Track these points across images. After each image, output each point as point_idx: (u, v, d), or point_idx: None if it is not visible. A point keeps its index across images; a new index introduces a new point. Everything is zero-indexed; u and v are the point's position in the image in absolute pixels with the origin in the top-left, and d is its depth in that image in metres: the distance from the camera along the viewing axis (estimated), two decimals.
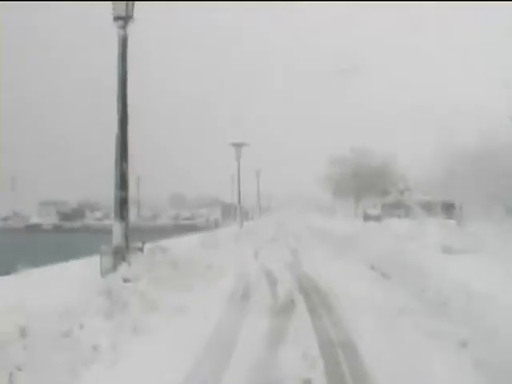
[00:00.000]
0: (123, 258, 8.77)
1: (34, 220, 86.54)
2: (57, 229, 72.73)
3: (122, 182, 9.33)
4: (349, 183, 59.40)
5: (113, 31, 9.63)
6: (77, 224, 75.83)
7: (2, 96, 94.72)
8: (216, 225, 55.98)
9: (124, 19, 9.44)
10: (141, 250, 9.84)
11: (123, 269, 8.18)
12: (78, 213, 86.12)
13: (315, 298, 9.01)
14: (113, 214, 9.65)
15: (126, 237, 9.31)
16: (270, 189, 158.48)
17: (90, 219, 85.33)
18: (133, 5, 9.50)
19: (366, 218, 37.16)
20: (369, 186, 58.17)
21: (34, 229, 72.06)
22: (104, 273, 8.45)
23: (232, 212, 78.43)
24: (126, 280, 7.68)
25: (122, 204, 9.35)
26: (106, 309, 6.21)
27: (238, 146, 35.40)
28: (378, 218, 34.92)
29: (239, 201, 36.89)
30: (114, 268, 8.37)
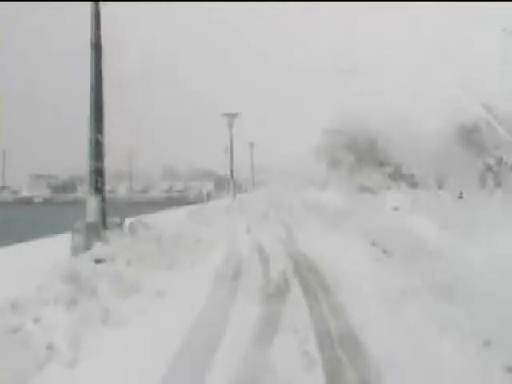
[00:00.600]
0: (98, 236, 7.87)
1: (25, 193, 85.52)
2: (48, 202, 71.57)
3: (97, 151, 8.46)
4: (343, 155, 58.57)
5: None
6: (69, 197, 74.60)
7: None
8: (208, 197, 55.11)
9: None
10: (120, 226, 8.95)
11: (96, 248, 7.29)
12: (69, 186, 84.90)
13: (311, 279, 8.19)
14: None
15: (103, 212, 8.45)
16: (265, 162, 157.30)
17: (81, 192, 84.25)
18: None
19: (360, 189, 36.07)
20: (364, 158, 57.39)
21: (25, 202, 70.88)
22: (74, 253, 7.56)
23: (225, 185, 77.72)
24: (98, 261, 6.81)
25: (97, 175, 8.47)
26: (70, 296, 5.34)
27: (231, 116, 35.37)
28: (372, 190, 33.94)
29: (232, 173, 36.02)
30: (87, 247, 7.50)
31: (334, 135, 60.98)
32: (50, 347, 4.37)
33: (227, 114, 35.93)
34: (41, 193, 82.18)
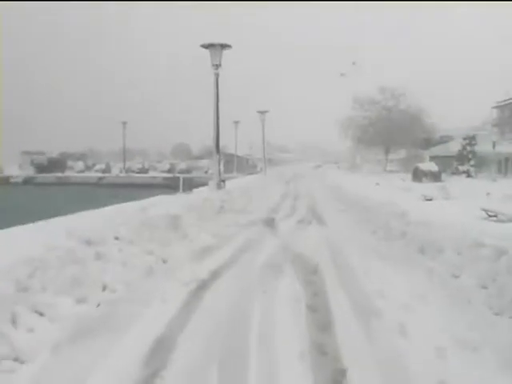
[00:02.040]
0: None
1: (10, 172, 79.33)
2: (27, 182, 64.90)
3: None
4: (377, 129, 50.29)
5: None
6: (50, 177, 67.69)
7: None
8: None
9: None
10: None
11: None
12: (57, 164, 77.98)
13: None
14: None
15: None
16: (286, 140, 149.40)
17: (73, 171, 77.62)
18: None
19: (418, 175, 27.70)
20: (401, 134, 49.04)
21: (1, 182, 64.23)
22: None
23: (236, 163, 70.17)
24: None
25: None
26: None
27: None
28: (436, 177, 25.91)
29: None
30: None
31: (366, 106, 52.86)
32: None
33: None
34: (25, 172, 75.66)
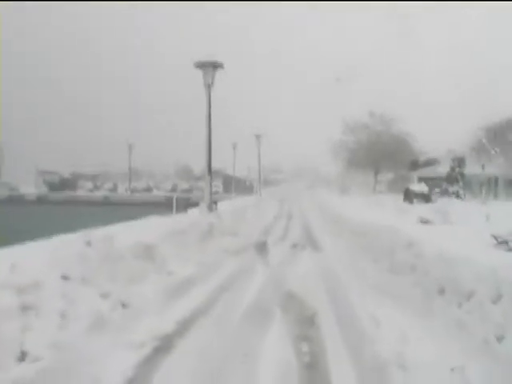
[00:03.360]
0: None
1: (25, 190, 77.13)
2: (41, 200, 62.53)
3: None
4: (367, 153, 48.26)
5: None
6: (61, 196, 65.36)
7: None
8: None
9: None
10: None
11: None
12: (68, 183, 75.69)
13: None
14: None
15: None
16: (279, 162, 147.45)
17: (84, 190, 75.32)
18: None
19: (409, 196, 25.50)
20: (389, 157, 47.10)
21: (16, 200, 61.86)
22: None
23: (234, 184, 67.99)
24: None
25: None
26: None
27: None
28: (427, 198, 23.81)
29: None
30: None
31: (356, 130, 50.97)
32: None
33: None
34: (39, 190, 73.39)
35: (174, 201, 19.29)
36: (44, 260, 6.12)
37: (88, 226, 11.53)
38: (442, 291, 6.33)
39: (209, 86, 15.28)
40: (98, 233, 7.96)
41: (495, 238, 10.38)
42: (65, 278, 5.86)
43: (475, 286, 5.76)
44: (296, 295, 6.64)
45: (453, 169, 28.92)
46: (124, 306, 6.00)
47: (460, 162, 28.87)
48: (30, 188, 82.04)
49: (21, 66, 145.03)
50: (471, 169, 29.10)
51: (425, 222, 14.71)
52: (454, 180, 28.16)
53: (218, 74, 15.94)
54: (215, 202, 15.60)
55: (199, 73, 15.54)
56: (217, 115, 17.00)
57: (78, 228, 10.24)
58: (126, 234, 9.13)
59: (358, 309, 5.96)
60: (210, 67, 15.19)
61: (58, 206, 55.01)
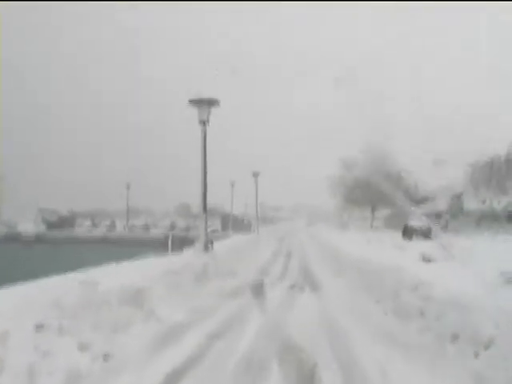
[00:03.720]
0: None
1: (24, 228, 76.10)
2: (39, 239, 61.52)
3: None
4: (362, 190, 48.00)
5: None
6: (60, 234, 64.42)
7: None
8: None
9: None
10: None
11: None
12: (66, 221, 74.88)
13: None
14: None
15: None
16: (279, 199, 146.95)
17: (82, 228, 74.47)
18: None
19: (408, 232, 24.83)
20: (385, 194, 46.79)
21: (12, 238, 60.80)
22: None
23: (232, 222, 67.22)
24: None
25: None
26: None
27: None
28: (427, 234, 23.17)
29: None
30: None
31: (351, 168, 50.86)
32: None
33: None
34: (37, 228, 72.44)
35: (170, 240, 18.69)
36: (17, 306, 5.54)
37: (81, 267, 10.98)
38: (455, 338, 5.73)
39: (204, 123, 14.99)
40: (82, 276, 7.39)
41: (505, 275, 9.81)
42: (39, 327, 5.26)
43: (494, 333, 5.18)
44: (295, 345, 6.01)
45: (453, 204, 28.44)
46: (105, 358, 5.38)
47: (459, 197, 28.39)
48: (29, 226, 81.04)
49: (20, 102, 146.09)
50: (469, 204, 28.67)
51: (427, 260, 14.14)
52: (454, 215, 27.60)
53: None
54: (211, 242, 15.02)
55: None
56: (214, 151, 16.68)
57: (69, 269, 9.69)
58: (115, 275, 8.57)
59: (364, 360, 5.34)
60: (205, 104, 14.95)
61: (55, 246, 54.10)
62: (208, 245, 13.83)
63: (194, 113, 15.35)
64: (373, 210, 50.55)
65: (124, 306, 6.83)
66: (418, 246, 17.41)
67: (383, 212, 56.62)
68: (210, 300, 9.08)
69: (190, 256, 12.88)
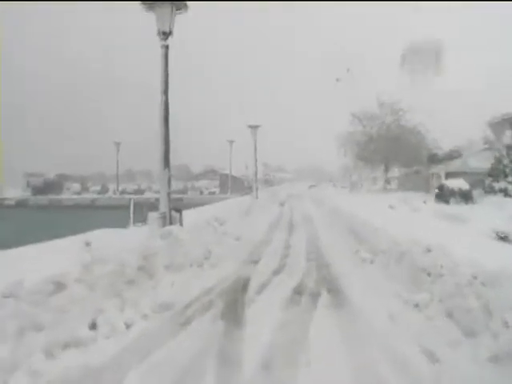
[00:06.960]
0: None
1: (10, 194, 72.08)
2: (20, 204, 57.29)
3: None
4: (376, 145, 42.97)
5: None
6: (42, 199, 60.06)
7: None
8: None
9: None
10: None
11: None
12: (53, 186, 70.38)
13: None
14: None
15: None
16: (282, 161, 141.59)
17: (69, 193, 70.09)
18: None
19: (444, 194, 20.02)
20: (401, 150, 41.80)
21: None
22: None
23: (232, 184, 62.71)
24: None
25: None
26: None
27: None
28: (468, 197, 18.55)
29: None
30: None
31: (365, 122, 45.74)
32: None
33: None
34: (23, 194, 68.24)
35: (131, 209, 14.00)
36: None
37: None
38: None
39: (165, 36, 10.03)
40: None
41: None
42: None
43: None
44: None
45: (499, 160, 23.40)
46: None
47: (509, 150, 23.36)
48: (16, 192, 77.02)
49: (10, 65, 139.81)
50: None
51: (503, 236, 9.52)
52: (500, 174, 22.67)
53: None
54: (178, 210, 10.32)
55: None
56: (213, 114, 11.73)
57: None
58: None
59: None
60: (166, 7, 9.92)
61: (37, 211, 50.07)
62: (171, 216, 9.17)
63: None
64: (386, 169, 45.65)
65: None
66: (475, 215, 12.70)
67: (398, 171, 51.79)
68: (141, 325, 4.46)
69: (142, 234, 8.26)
